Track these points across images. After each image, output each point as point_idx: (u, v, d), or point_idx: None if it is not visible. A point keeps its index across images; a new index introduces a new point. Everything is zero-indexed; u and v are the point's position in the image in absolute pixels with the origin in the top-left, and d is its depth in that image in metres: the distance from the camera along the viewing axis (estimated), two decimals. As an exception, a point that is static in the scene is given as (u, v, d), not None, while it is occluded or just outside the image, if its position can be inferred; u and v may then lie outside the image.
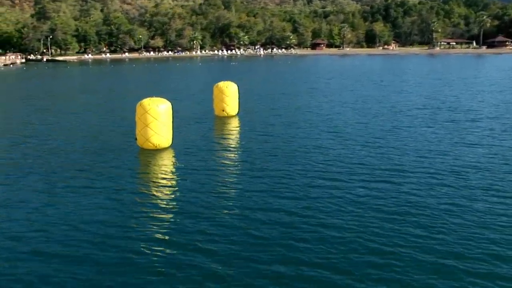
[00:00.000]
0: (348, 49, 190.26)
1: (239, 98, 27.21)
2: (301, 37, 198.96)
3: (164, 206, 12.24)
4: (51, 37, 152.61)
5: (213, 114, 26.75)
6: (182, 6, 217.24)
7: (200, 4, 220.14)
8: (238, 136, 21.91)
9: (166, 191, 13.53)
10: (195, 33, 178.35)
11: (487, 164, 15.36)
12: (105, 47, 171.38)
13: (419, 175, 14.19)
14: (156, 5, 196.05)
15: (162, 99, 18.80)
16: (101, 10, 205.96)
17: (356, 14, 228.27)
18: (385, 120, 24.50)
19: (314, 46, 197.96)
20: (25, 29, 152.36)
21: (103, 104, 35.36)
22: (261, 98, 36.51)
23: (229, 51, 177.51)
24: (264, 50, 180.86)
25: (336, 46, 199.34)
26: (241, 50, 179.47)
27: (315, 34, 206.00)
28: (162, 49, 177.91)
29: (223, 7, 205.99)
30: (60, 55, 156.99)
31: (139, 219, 11.27)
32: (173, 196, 13.04)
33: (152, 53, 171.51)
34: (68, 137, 21.67)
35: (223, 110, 26.37)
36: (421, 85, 45.04)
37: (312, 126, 23.34)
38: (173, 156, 17.73)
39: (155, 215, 11.52)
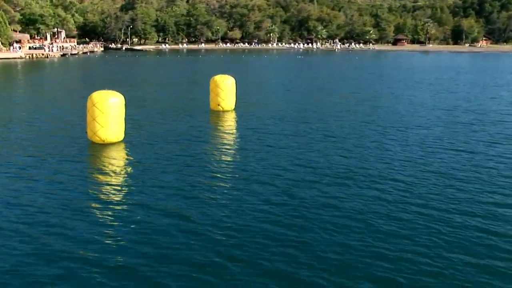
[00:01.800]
0: (430, 45, 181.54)
1: (236, 92, 25.75)
2: (383, 32, 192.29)
3: (101, 200, 11.66)
4: (131, 27, 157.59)
5: (209, 108, 25.40)
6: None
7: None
8: (215, 131, 20.65)
9: (101, 186, 12.86)
10: (272, 26, 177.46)
11: None
12: (183, 37, 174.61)
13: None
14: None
15: (115, 92, 17.71)
16: (187, 1, 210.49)
17: (445, 8, 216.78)
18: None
19: (395, 41, 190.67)
20: (108, 19, 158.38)
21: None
22: (276, 92, 34.91)
23: (305, 45, 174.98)
24: (341, 45, 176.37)
25: (420, 42, 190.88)
26: (318, 43, 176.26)
27: (399, 29, 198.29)
28: (238, 40, 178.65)
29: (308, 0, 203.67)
30: (140, 44, 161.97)
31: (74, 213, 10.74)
32: (110, 191, 12.36)
33: (228, 44, 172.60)
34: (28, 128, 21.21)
35: (219, 105, 24.98)
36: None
37: (305, 124, 21.35)
38: (118, 151, 16.58)
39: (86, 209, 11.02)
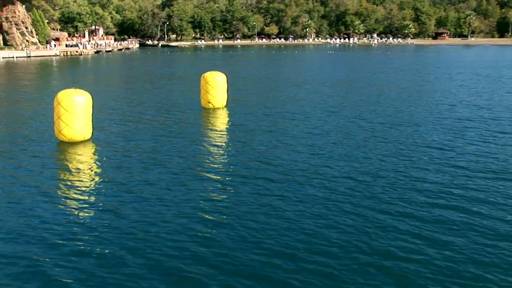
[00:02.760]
0: (473, 39, 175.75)
1: (228, 89, 25.31)
2: (423, 26, 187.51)
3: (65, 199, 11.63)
4: (167, 23, 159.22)
5: (200, 106, 25.03)
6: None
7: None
8: (199, 129, 20.11)
9: (54, 183, 12.86)
10: (308, 21, 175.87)
11: None
12: (219, 33, 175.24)
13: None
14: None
15: (81, 90, 17.56)
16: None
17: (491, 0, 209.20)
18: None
19: (436, 35, 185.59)
20: (145, 16, 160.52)
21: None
22: (277, 88, 34.12)
23: (341, 40, 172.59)
24: (379, 40, 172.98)
25: (462, 36, 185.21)
26: (354, 38, 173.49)
27: (440, 22, 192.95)
28: (274, 36, 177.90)
29: None
30: (176, 40, 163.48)
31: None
32: (64, 189, 12.36)
33: (264, 40, 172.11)
34: None
35: (209, 102, 24.56)
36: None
37: (291, 121, 20.69)
38: (82, 150, 16.35)
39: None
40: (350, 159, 14.74)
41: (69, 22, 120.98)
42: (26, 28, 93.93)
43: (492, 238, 9.07)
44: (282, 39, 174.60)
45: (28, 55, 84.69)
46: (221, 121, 22.16)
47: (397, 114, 22.94)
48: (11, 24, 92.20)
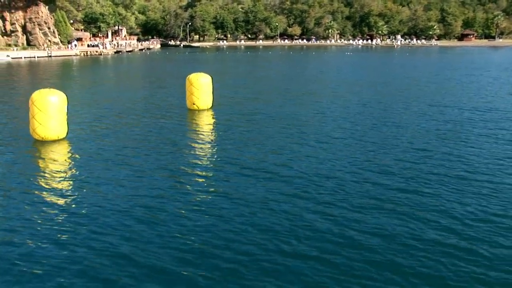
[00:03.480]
0: (500, 40, 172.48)
1: (213, 91, 25.79)
2: (449, 27, 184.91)
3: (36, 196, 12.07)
4: (190, 24, 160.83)
5: (186, 107, 25.58)
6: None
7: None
8: (180, 130, 20.40)
9: (22, 180, 13.37)
10: (330, 22, 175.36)
11: None
12: (242, 34, 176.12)
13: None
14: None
15: (56, 90, 18.30)
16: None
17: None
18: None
19: (462, 37, 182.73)
20: (168, 16, 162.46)
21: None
22: (262, 91, 34.47)
23: (364, 41, 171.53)
24: (402, 41, 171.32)
25: (490, 37, 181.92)
26: (377, 40, 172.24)
27: (467, 23, 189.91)
28: (297, 37, 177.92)
29: None
30: (199, 41, 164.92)
31: None
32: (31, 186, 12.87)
33: (286, 41, 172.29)
34: None
35: (194, 104, 25.10)
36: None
37: (274, 128, 21.09)
38: (54, 149, 16.99)
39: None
40: (337, 160, 15.07)
41: (92, 23, 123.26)
42: (49, 28, 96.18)
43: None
44: (305, 40, 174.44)
45: (49, 55, 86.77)
46: (203, 122, 22.67)
47: (379, 120, 23.09)
48: (34, 25, 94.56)
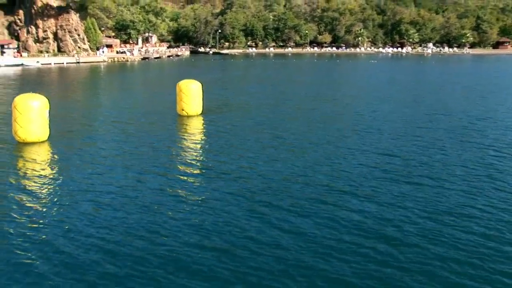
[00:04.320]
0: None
1: (203, 97, 26.54)
2: (483, 34, 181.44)
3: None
4: (220, 31, 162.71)
5: (176, 113, 26.41)
6: (367, 2, 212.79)
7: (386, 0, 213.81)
8: (162, 135, 21.16)
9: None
10: (360, 30, 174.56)
11: None
12: (272, 41, 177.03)
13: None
14: (328, 1, 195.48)
15: (37, 95, 19.39)
16: (284, 5, 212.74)
17: None
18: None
19: (497, 44, 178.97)
20: (198, 23, 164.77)
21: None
22: (253, 97, 34.92)
23: (394, 49, 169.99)
24: (433, 49, 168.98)
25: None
26: (408, 48, 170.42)
27: (504, 31, 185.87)
28: (325, 45, 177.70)
29: (412, 3, 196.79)
30: (228, 48, 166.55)
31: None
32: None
33: (316, 48, 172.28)
34: None
35: (183, 109, 25.92)
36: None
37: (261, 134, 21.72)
38: (32, 150, 17.97)
39: None
40: (331, 166, 15.57)
41: (122, 30, 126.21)
42: (79, 35, 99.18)
43: None
44: (334, 48, 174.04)
45: (77, 61, 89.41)
46: (190, 128, 23.38)
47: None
48: (65, 32, 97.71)
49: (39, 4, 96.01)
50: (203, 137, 20.85)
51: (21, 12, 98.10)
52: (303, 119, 25.46)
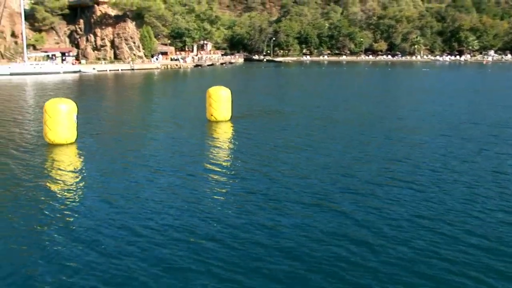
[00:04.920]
0: None
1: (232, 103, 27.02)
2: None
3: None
4: (274, 39, 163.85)
5: (205, 118, 27.01)
6: (427, 9, 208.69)
7: (447, 6, 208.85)
8: (191, 138, 21.74)
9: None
10: (416, 37, 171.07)
11: None
12: (327, 49, 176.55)
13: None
14: (385, 8, 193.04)
15: (67, 99, 20.42)
16: (341, 13, 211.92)
17: None
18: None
19: None
20: (252, 31, 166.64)
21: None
22: (285, 105, 34.91)
23: (452, 57, 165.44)
24: (494, 57, 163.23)
25: None
26: (466, 55, 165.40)
27: None
28: (380, 53, 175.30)
29: (474, 9, 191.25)
30: (283, 56, 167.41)
31: None
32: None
33: (370, 56, 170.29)
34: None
35: (212, 115, 26.49)
36: None
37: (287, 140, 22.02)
38: (61, 151, 18.93)
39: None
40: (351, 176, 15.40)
41: (178, 37, 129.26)
42: (134, 43, 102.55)
43: None
44: (389, 56, 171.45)
45: (132, 68, 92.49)
46: (218, 132, 23.86)
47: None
48: (121, 40, 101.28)
49: (98, 13, 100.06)
50: (228, 141, 21.28)
51: (81, 21, 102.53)
52: (336, 126, 25.41)
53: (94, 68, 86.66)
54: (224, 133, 23.67)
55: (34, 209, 11.99)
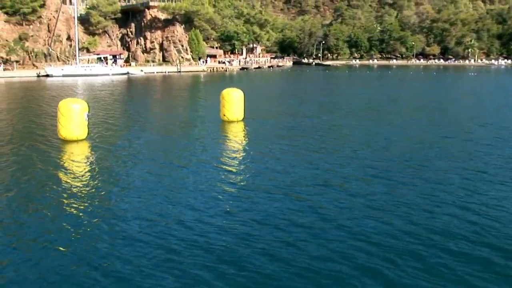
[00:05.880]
0: None
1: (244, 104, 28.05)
2: None
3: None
4: (323, 42, 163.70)
5: (219, 118, 28.14)
6: (488, 11, 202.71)
7: (510, 8, 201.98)
8: (202, 136, 22.96)
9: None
10: (471, 40, 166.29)
11: None
12: (378, 53, 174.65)
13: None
14: (439, 11, 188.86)
15: (79, 99, 22.10)
16: (396, 16, 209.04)
17: None
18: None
19: None
20: (302, 35, 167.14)
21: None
22: (295, 106, 35.31)
23: (508, 61, 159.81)
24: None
25: None
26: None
27: None
28: (431, 57, 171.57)
29: None
30: (332, 59, 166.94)
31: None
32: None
33: (422, 60, 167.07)
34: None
35: (224, 115, 27.64)
36: None
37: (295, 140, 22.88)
38: (72, 147, 20.53)
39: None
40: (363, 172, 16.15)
41: (227, 40, 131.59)
42: (182, 46, 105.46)
43: None
44: (441, 60, 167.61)
45: (179, 70, 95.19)
46: (229, 131, 24.90)
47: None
48: (169, 43, 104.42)
49: (148, 17, 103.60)
50: (238, 139, 22.41)
51: (132, 25, 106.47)
52: (355, 127, 25.92)
53: (141, 70, 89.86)
54: (235, 132, 24.66)
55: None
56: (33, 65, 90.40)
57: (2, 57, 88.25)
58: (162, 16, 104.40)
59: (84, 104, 21.83)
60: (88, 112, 22.12)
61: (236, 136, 23.66)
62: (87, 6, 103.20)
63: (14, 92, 52.73)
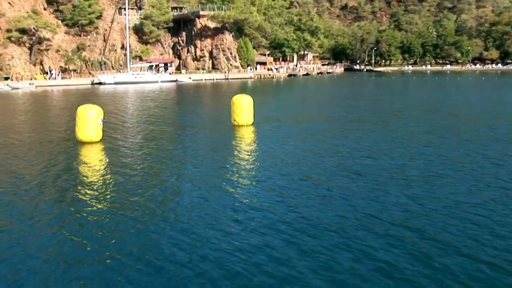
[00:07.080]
0: None
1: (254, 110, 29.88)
2: None
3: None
4: (375, 48, 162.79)
5: (230, 123, 30.09)
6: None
7: None
8: (213, 140, 24.81)
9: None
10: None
11: None
12: (433, 58, 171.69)
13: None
14: (499, 14, 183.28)
15: (95, 105, 24.68)
16: (455, 20, 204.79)
17: None
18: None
19: None
20: (354, 41, 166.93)
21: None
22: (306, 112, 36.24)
23: None
24: None
25: None
26: None
27: None
28: (488, 62, 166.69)
29: None
30: (384, 65, 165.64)
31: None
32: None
33: (478, 65, 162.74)
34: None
35: (234, 120, 29.64)
36: None
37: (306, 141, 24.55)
38: (86, 149, 23.11)
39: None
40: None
41: (277, 48, 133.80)
42: (231, 53, 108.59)
43: None
44: (499, 65, 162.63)
45: (226, 77, 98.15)
46: (237, 134, 26.74)
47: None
48: (219, 51, 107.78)
49: (199, 26, 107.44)
50: (245, 142, 24.03)
51: (184, 33, 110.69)
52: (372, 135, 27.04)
53: (190, 78, 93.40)
54: (243, 135, 26.31)
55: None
56: (89, 73, 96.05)
57: (61, 67, 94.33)
58: (212, 24, 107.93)
59: (99, 109, 24.37)
60: (103, 117, 24.65)
61: (247, 138, 25.25)
62: (141, 16, 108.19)
63: (65, 98, 56.92)
